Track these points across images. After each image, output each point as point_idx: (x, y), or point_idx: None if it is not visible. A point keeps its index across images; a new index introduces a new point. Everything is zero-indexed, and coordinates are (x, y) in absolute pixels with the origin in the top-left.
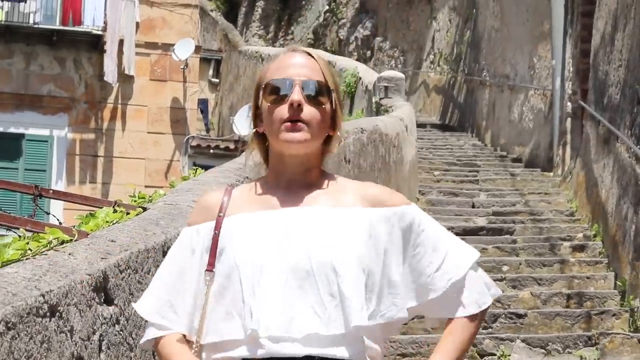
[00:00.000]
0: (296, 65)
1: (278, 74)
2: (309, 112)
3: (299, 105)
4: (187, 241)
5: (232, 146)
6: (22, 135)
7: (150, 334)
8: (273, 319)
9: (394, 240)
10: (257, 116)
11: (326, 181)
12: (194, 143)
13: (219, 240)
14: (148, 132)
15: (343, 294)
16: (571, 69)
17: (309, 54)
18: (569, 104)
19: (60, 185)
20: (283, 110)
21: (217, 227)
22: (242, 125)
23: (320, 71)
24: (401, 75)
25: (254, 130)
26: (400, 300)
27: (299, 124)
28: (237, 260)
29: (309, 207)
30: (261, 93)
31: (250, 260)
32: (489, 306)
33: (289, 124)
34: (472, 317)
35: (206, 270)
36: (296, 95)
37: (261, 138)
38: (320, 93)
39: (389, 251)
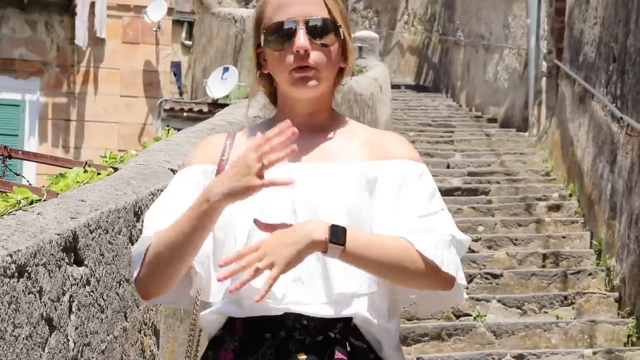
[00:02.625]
0: (297, 1)
1: (279, 14)
2: (316, 56)
3: (306, 51)
4: (191, 178)
5: (205, 109)
6: None
7: (145, 239)
8: (258, 282)
9: (392, 195)
10: (259, 55)
11: (336, 126)
12: (167, 106)
13: None
14: (121, 96)
15: (326, 258)
16: (546, 27)
17: None
18: (544, 63)
19: (32, 149)
20: (289, 57)
21: (220, 171)
22: (216, 87)
23: (323, 4)
24: (375, 35)
25: (259, 72)
26: None
27: (308, 70)
28: (233, 215)
29: (309, 164)
30: (263, 35)
31: (245, 216)
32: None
33: (296, 72)
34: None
35: None
36: (302, 40)
37: (267, 79)
38: (326, 32)
39: (388, 209)
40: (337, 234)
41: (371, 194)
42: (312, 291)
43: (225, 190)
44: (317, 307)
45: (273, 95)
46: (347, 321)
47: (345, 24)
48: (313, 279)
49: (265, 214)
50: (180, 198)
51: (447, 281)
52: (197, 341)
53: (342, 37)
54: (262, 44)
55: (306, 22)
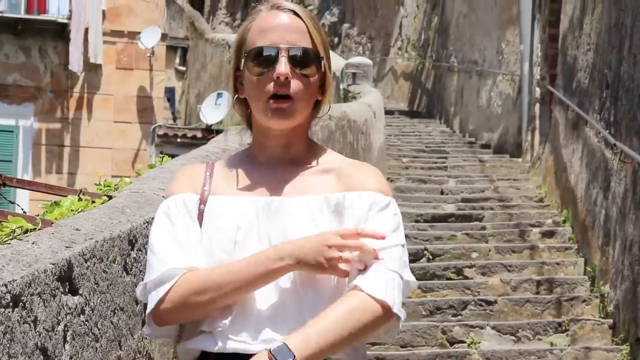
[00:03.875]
0: (281, 27)
1: (261, 38)
2: (296, 85)
3: (286, 78)
4: (186, 207)
5: (199, 135)
6: None
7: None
8: (235, 319)
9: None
10: (237, 78)
11: (313, 158)
12: (161, 132)
13: (203, 218)
14: (114, 122)
15: (301, 296)
16: (539, 53)
17: (295, 13)
18: (537, 89)
19: (26, 175)
20: (269, 84)
21: (203, 202)
22: (210, 113)
23: (307, 34)
24: (369, 61)
25: (235, 96)
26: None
27: (284, 101)
28: (215, 250)
29: (285, 199)
30: (243, 59)
31: (225, 252)
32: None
33: (274, 102)
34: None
35: None
36: (283, 67)
37: (243, 103)
38: (308, 63)
39: None
40: (281, 356)
41: (340, 226)
42: (287, 328)
43: (300, 257)
44: None
45: (249, 121)
46: None
47: (326, 56)
48: (288, 316)
49: (243, 248)
50: (191, 230)
51: (392, 317)
52: None
53: (323, 70)
54: (241, 67)
55: (288, 50)
